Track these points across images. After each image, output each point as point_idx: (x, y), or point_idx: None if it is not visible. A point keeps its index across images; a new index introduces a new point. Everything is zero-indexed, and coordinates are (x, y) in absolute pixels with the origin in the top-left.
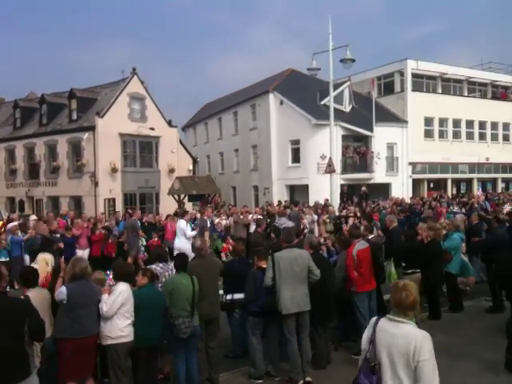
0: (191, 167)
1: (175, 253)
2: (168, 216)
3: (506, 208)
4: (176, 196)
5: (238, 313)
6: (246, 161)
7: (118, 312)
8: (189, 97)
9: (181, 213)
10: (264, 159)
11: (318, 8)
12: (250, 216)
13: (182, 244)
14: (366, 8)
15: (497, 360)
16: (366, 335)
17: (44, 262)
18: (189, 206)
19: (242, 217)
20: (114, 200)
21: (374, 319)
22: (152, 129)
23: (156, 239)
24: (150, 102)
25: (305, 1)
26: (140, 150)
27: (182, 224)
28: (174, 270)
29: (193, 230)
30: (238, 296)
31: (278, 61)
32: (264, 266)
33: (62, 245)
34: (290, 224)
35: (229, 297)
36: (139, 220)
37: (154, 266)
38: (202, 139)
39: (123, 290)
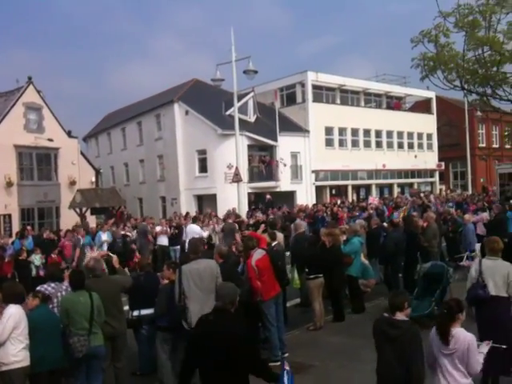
0: (94, 179)
1: None
2: (67, 231)
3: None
4: (78, 210)
5: (145, 329)
6: (152, 171)
7: (11, 336)
8: (90, 107)
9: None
10: (171, 169)
11: (223, 19)
12: (158, 228)
13: None
14: (269, 21)
15: None
16: (474, 270)
17: None
18: (92, 219)
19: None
20: (9, 216)
21: (477, 260)
22: (50, 140)
23: (55, 256)
24: (47, 112)
25: (210, 12)
26: (37, 163)
27: (196, 228)
28: (69, 289)
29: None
30: (145, 312)
31: (182, 71)
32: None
33: None
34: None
35: (135, 313)
36: (37, 237)
37: (45, 286)
38: (105, 150)
39: (13, 312)
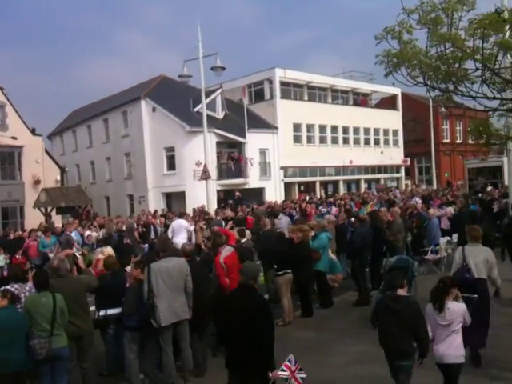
0: (59, 178)
1: None
2: (32, 231)
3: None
4: (43, 209)
5: (112, 328)
6: (119, 169)
7: None
8: (54, 103)
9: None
10: (138, 167)
11: (191, 15)
12: (125, 227)
13: (183, 240)
14: (237, 16)
15: (364, 351)
16: (458, 256)
17: None
18: (57, 219)
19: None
20: None
21: (459, 248)
22: (14, 138)
23: (19, 256)
24: (10, 110)
25: (177, 8)
26: (1, 161)
27: (183, 222)
28: (33, 290)
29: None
30: (112, 311)
31: (150, 67)
32: (142, 277)
33: None
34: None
35: (102, 313)
36: (2, 237)
37: (7, 287)
38: (71, 148)
39: None
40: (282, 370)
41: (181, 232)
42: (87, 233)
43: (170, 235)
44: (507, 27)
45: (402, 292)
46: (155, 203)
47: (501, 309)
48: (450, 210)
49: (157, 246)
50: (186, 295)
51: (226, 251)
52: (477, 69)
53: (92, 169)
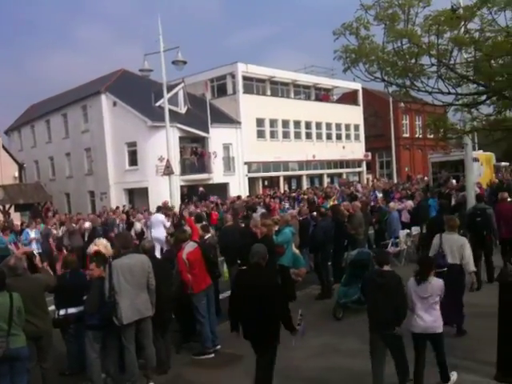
0: (17, 174)
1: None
2: None
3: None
4: (1, 206)
5: (72, 328)
6: (79, 165)
7: None
8: (11, 98)
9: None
10: (99, 163)
11: (152, 8)
12: (87, 224)
13: (161, 234)
14: (200, 10)
15: (326, 343)
16: (435, 242)
17: None
18: (16, 216)
19: (74, 225)
20: None
21: (438, 235)
22: None
23: None
24: None
25: (138, 1)
26: None
27: (160, 217)
28: None
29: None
30: (72, 310)
31: (111, 61)
32: (103, 274)
33: None
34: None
35: (62, 312)
36: None
37: None
38: (29, 143)
39: None
40: (298, 325)
41: (158, 226)
42: (99, 221)
43: (148, 229)
44: (462, 24)
45: (387, 267)
46: (117, 200)
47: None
48: (410, 203)
49: (117, 243)
50: (148, 292)
51: (189, 247)
52: (432, 64)
53: (51, 165)
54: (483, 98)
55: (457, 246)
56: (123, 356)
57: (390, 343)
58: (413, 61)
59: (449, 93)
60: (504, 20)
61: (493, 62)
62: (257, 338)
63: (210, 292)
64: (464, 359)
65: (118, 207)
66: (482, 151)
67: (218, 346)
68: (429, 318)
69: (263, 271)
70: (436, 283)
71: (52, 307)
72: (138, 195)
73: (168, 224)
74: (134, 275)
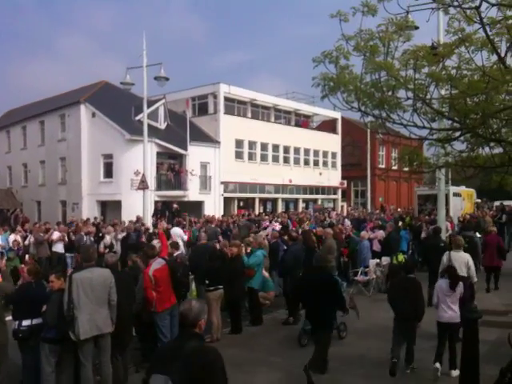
0: None
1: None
2: None
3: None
4: None
5: (30, 340)
6: (53, 174)
7: None
8: None
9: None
10: (73, 173)
11: (138, 24)
12: (56, 234)
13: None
14: (186, 29)
15: (288, 371)
16: (445, 259)
17: None
18: None
19: (42, 234)
20: None
21: (447, 253)
22: None
23: None
24: None
25: (125, 15)
26: None
27: (178, 231)
28: None
29: None
30: (31, 322)
31: (93, 73)
32: (63, 286)
33: None
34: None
35: (26, 323)
36: None
37: None
38: (3, 149)
39: None
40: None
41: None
42: (12, 237)
43: (117, 242)
44: (440, 60)
45: (411, 276)
46: (89, 211)
47: None
48: (382, 233)
49: (80, 256)
50: (109, 308)
51: (157, 264)
52: (408, 98)
53: (24, 172)
54: (457, 134)
55: (463, 261)
56: (79, 372)
57: (407, 332)
58: (390, 93)
59: (423, 127)
60: (480, 59)
61: (468, 99)
62: (317, 320)
63: (174, 311)
64: None
65: (88, 219)
66: (464, 187)
67: None
68: (451, 312)
69: (324, 271)
70: (459, 287)
71: (9, 318)
72: (110, 208)
73: (186, 237)
74: (95, 290)
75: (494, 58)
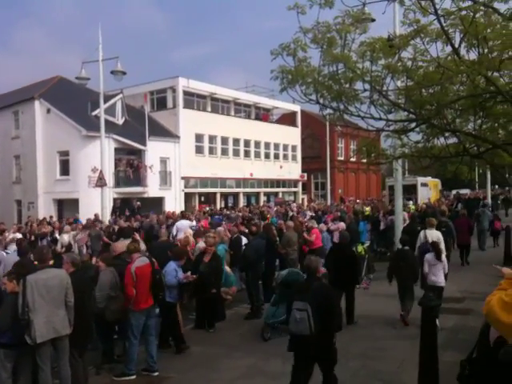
0: None
1: None
2: None
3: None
4: None
5: None
6: (7, 172)
7: None
8: None
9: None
10: (28, 171)
11: (96, 17)
12: (10, 235)
13: None
14: (145, 22)
15: (252, 365)
16: (422, 235)
17: None
18: None
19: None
20: None
21: (422, 231)
22: None
23: None
24: None
25: (82, 8)
26: None
27: (186, 222)
28: None
29: None
30: None
31: (49, 67)
32: (16, 289)
33: None
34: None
35: None
36: None
37: None
38: None
39: None
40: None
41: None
42: None
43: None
44: (396, 52)
45: (406, 247)
46: (46, 210)
47: None
48: (343, 224)
49: (34, 257)
50: (66, 309)
51: (140, 261)
52: (365, 90)
53: None
54: (413, 125)
55: (436, 237)
56: (37, 376)
57: (407, 291)
58: (347, 85)
59: (380, 118)
60: (435, 51)
61: (423, 90)
62: (343, 281)
63: (151, 313)
64: (387, 382)
65: (44, 218)
66: (430, 178)
67: (156, 373)
68: (437, 278)
69: (347, 247)
70: (443, 258)
71: None
72: (67, 206)
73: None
74: (51, 291)
75: (449, 49)
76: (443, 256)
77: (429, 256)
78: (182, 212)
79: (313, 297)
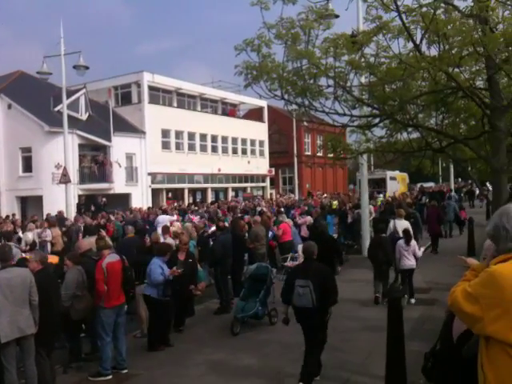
0: None
1: None
2: None
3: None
4: None
5: None
6: None
7: None
8: None
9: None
10: None
11: (57, 10)
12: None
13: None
14: (109, 16)
15: (221, 360)
16: (391, 225)
17: None
18: None
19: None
20: None
21: (392, 221)
22: None
23: None
24: None
25: (41, 1)
26: None
27: (167, 217)
28: None
29: None
30: None
31: (8, 62)
32: None
33: None
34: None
35: None
36: None
37: None
38: None
39: None
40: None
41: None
42: None
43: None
44: (359, 48)
45: (384, 235)
46: (8, 207)
47: None
48: (310, 218)
49: None
50: (30, 308)
51: (111, 257)
52: (329, 86)
53: None
54: (376, 120)
55: (404, 226)
56: (2, 377)
57: (383, 273)
58: (311, 81)
59: (345, 114)
60: (397, 47)
61: (386, 86)
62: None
63: (121, 311)
64: (355, 373)
65: (8, 216)
66: (398, 171)
67: (125, 371)
68: (408, 261)
69: (326, 234)
70: (413, 242)
71: None
72: (31, 203)
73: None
74: (14, 290)
75: (410, 45)
76: (413, 241)
77: (400, 242)
78: (161, 208)
79: (313, 275)
